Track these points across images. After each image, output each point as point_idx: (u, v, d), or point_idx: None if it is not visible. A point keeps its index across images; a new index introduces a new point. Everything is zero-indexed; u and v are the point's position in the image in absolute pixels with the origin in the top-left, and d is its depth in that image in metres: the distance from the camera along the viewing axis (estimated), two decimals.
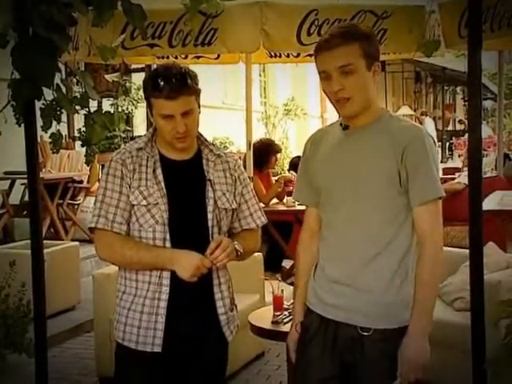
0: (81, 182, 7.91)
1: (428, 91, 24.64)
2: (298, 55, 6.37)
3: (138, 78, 7.66)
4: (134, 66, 8.01)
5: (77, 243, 5.83)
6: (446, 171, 10.39)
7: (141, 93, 7.44)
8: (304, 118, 12.97)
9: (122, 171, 2.30)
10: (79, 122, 7.54)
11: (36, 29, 3.23)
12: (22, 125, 3.54)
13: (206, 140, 2.41)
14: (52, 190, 7.27)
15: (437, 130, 17.66)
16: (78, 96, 3.84)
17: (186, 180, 2.37)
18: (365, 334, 2.08)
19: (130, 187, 2.30)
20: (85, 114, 5.10)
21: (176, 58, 5.70)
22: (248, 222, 2.44)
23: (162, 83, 2.22)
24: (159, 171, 2.32)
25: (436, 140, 16.30)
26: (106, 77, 5.70)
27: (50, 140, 3.57)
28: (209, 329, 2.35)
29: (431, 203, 2.04)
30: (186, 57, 5.80)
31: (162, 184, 2.30)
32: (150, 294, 2.29)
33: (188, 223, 2.33)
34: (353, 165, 2.11)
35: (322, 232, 2.24)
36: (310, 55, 5.24)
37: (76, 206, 7.86)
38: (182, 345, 2.31)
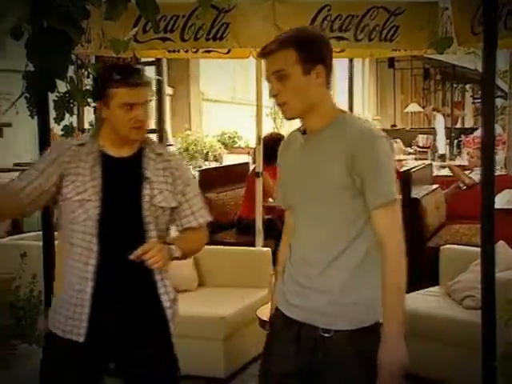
0: None
1: (437, 88, 24.58)
2: None
3: (147, 72, 7.68)
4: (143, 60, 8.02)
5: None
6: None
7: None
8: None
9: (55, 156, 2.38)
10: (89, 114, 7.58)
11: (50, 21, 3.25)
12: (32, 117, 3.57)
13: (149, 138, 2.47)
14: None
15: (446, 127, 17.62)
16: (90, 88, 3.86)
17: (123, 177, 2.41)
18: (326, 335, 2.09)
19: (61, 176, 2.36)
20: (95, 107, 5.09)
21: (187, 51, 5.71)
22: (189, 220, 2.45)
23: (126, 72, 2.32)
24: (97, 167, 2.37)
25: (445, 137, 16.25)
26: None
27: (61, 132, 3.59)
28: (145, 321, 2.40)
29: (386, 206, 2.03)
30: (196, 51, 5.81)
31: (99, 180, 2.35)
32: (77, 286, 2.34)
33: (121, 220, 2.37)
34: (310, 170, 2.15)
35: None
36: None
37: None
38: (107, 336, 2.35)
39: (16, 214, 2.54)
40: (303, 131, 2.19)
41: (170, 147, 7.87)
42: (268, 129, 10.70)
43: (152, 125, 7.70)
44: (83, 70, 4.34)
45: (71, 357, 2.35)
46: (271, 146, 6.32)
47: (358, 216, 2.07)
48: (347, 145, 2.04)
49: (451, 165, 8.13)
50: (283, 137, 7.11)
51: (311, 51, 2.07)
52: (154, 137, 7.78)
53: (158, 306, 2.39)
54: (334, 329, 2.08)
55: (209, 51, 5.91)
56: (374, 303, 2.07)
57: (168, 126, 8.06)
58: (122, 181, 2.41)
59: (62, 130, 3.58)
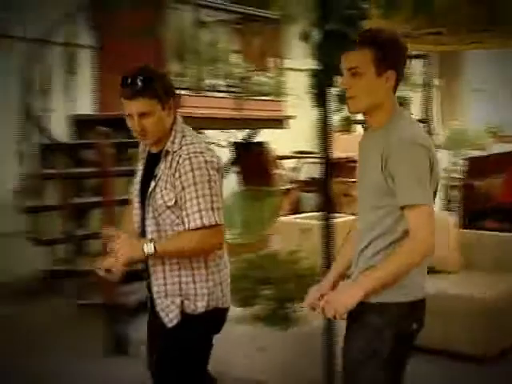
0: (355, 161, 8.22)
1: None
2: None
3: (415, 65, 7.71)
4: (413, 53, 8.06)
5: (354, 217, 6.10)
6: None
7: (419, 79, 7.48)
8: None
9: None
10: None
11: (333, 24, 3.51)
12: (315, 109, 3.86)
13: (175, 135, 2.41)
14: (332, 168, 7.68)
15: None
16: None
17: (147, 174, 2.47)
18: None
19: None
20: None
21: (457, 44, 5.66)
22: (184, 221, 2.35)
23: (125, 84, 2.33)
24: (141, 163, 2.52)
25: None
26: None
27: (337, 123, 3.84)
28: (152, 305, 2.47)
29: (412, 208, 2.07)
30: (467, 43, 5.72)
31: (139, 177, 2.51)
32: None
33: (141, 214, 2.46)
34: (361, 165, 2.28)
35: None
36: None
37: (350, 183, 8.24)
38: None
39: None
40: (365, 128, 2.33)
41: (436, 137, 7.81)
42: None
43: (420, 115, 7.73)
44: None
45: None
46: None
47: (388, 213, 2.14)
48: (385, 147, 2.12)
49: None
50: None
51: (386, 55, 2.14)
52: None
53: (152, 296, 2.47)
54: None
55: (480, 42, 5.78)
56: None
57: (436, 117, 7.99)
58: (146, 178, 2.47)
59: (339, 120, 3.83)
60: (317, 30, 3.60)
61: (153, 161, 2.43)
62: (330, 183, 3.59)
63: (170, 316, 2.41)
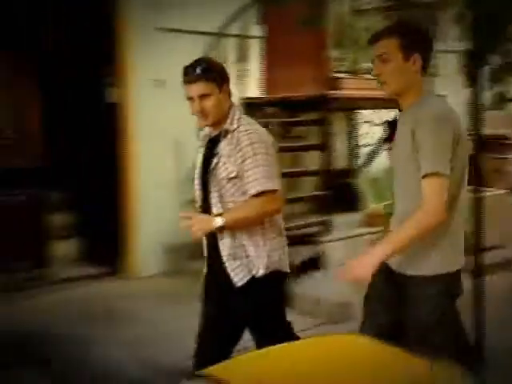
0: (508, 138, 8.17)
1: None
2: None
3: None
4: None
5: (505, 191, 6.19)
6: None
7: None
8: None
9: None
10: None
11: (487, 6, 3.62)
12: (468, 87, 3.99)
13: (232, 116, 2.60)
14: (483, 144, 7.63)
15: None
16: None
17: (208, 155, 2.68)
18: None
19: None
20: None
21: None
22: (248, 188, 2.54)
23: (186, 71, 2.57)
24: (203, 148, 2.73)
25: None
26: None
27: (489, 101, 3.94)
28: (220, 269, 2.66)
29: (429, 177, 2.18)
30: None
31: (200, 159, 2.71)
32: None
33: (204, 190, 2.66)
34: (396, 143, 2.39)
35: None
36: None
37: (501, 160, 8.13)
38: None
39: None
40: (399, 109, 2.42)
41: None
42: None
43: None
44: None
45: None
46: None
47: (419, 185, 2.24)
48: (414, 123, 2.24)
49: None
50: None
51: (411, 41, 2.29)
52: None
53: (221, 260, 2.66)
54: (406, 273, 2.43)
55: None
56: (429, 258, 2.34)
57: None
58: (208, 157, 2.67)
59: (492, 97, 3.92)
60: (470, 12, 3.73)
61: (212, 144, 2.67)
62: (480, 159, 3.71)
63: (239, 276, 2.62)
